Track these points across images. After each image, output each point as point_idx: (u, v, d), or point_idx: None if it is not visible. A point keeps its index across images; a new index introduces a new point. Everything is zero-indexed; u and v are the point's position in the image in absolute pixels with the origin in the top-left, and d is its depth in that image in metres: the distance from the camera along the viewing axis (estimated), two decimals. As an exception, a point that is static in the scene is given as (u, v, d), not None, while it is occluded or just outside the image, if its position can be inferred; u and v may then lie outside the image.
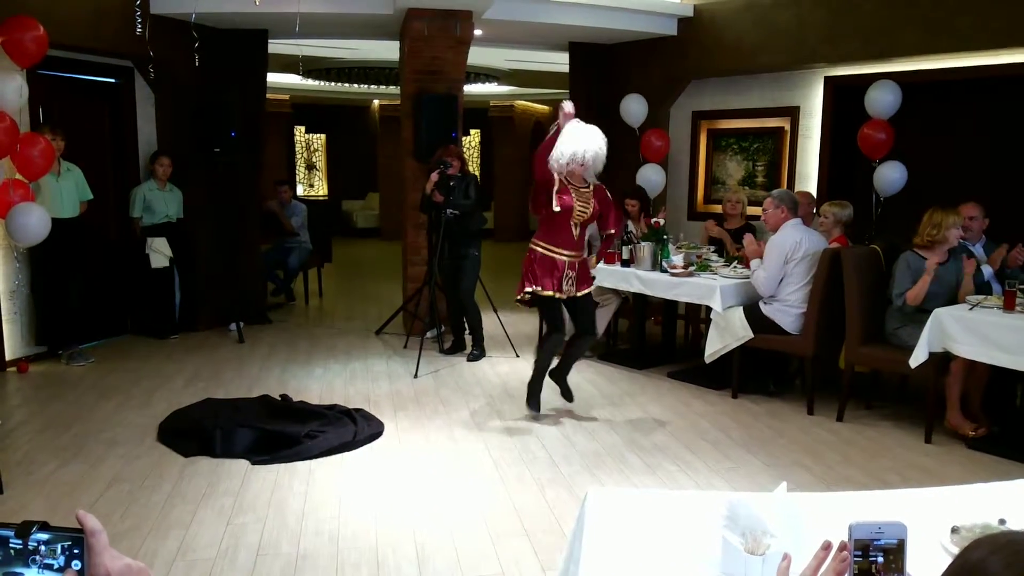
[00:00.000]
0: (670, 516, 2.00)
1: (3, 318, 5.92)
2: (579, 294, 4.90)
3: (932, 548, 1.80)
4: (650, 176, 7.80)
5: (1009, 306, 4.38)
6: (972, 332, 4.38)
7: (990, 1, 5.70)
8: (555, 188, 4.68)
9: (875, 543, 1.14)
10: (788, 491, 1.84)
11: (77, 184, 6.32)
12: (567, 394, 5.20)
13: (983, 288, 4.93)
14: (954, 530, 1.87)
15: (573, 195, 4.73)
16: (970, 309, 4.48)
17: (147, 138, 7.27)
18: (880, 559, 1.14)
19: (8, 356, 5.97)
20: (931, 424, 4.73)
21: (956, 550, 1.81)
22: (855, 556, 1.14)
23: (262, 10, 6.41)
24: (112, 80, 7.00)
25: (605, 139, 4.73)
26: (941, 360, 4.62)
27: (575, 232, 4.79)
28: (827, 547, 1.19)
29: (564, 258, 4.80)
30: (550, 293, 4.80)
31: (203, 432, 4.51)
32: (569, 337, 5.18)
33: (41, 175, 5.71)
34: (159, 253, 6.98)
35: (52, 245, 5.81)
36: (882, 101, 6.44)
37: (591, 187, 4.84)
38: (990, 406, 4.84)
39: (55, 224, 5.70)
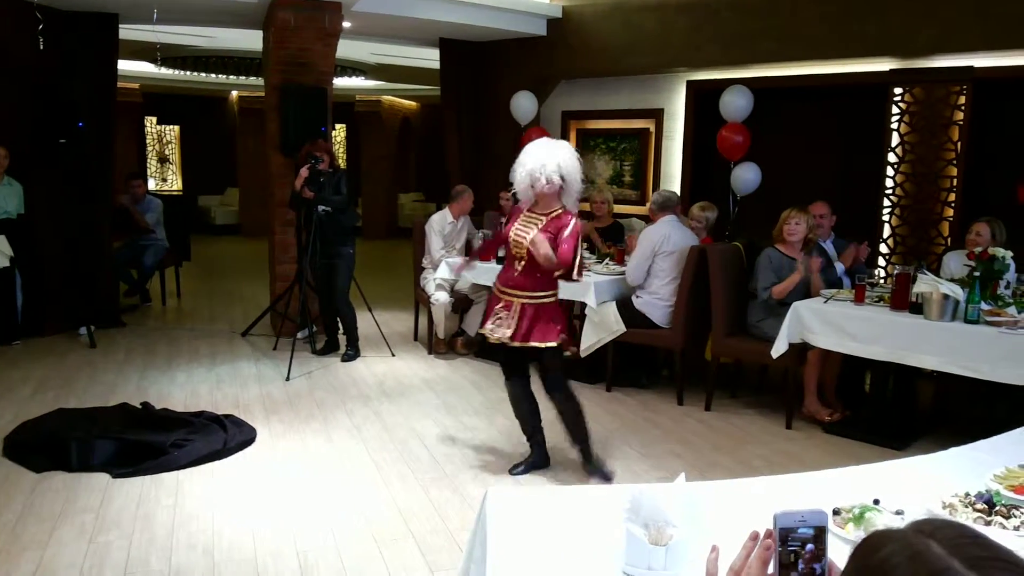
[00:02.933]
0: (571, 512, 2.01)
1: None
2: (515, 344, 3.99)
3: (817, 529, 1.89)
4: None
5: (859, 299, 4.71)
6: (827, 323, 4.68)
7: (841, 15, 6.11)
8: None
9: (798, 531, 1.17)
10: (686, 480, 1.89)
11: (-101, 176, 5.71)
12: (588, 468, 4.20)
13: (835, 283, 5.28)
14: (835, 512, 1.97)
15: (516, 224, 4.08)
16: (825, 302, 4.78)
17: (-19, 128, 6.66)
18: (805, 546, 1.18)
19: None
20: (791, 411, 5.03)
21: (839, 531, 1.92)
22: (781, 545, 1.18)
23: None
24: (-62, 62, 6.36)
25: (569, 151, 3.94)
26: (799, 350, 4.91)
27: (516, 267, 4.04)
28: (754, 537, 1.22)
29: (498, 295, 4.13)
30: (481, 331, 4.22)
31: (56, 444, 4.17)
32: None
33: None
34: (-2, 252, 6.41)
35: None
36: (735, 105, 6.77)
37: (551, 214, 3.97)
38: (842, 392, 5.19)
39: None
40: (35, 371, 5.83)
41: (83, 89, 6.67)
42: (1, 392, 5.30)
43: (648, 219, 5.90)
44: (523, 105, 7.96)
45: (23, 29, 6.32)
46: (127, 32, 7.54)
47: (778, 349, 4.84)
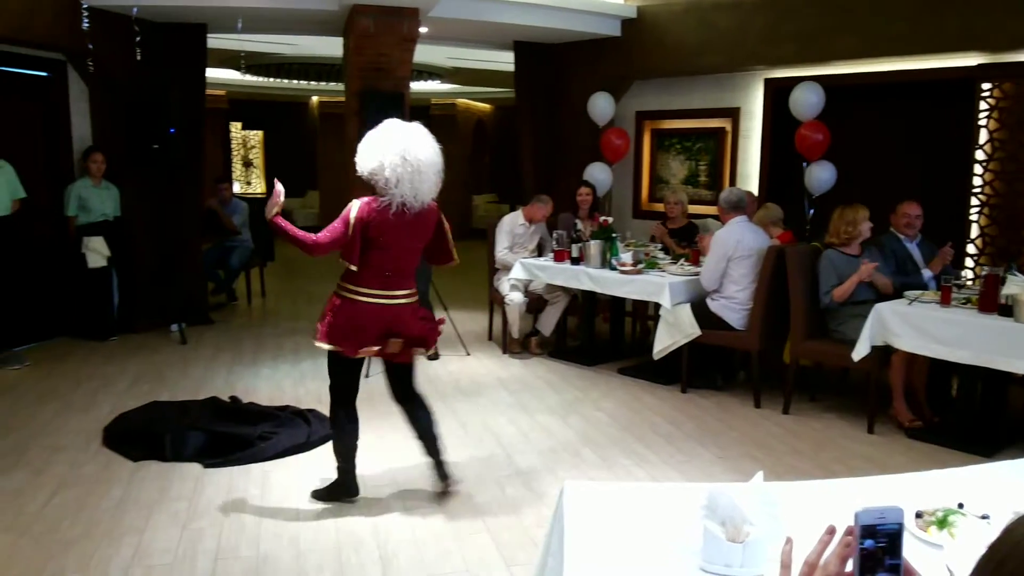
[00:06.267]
0: (648, 508, 2.03)
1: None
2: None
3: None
4: (596, 175, 7.88)
5: (945, 301, 4.58)
6: (911, 326, 4.55)
7: (924, 10, 5.94)
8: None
9: (878, 528, 1.17)
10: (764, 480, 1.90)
11: (8, 182, 6.09)
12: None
13: (921, 286, 5.14)
14: (918, 515, 1.95)
15: None
16: (909, 304, 4.66)
17: (81, 134, 7.03)
18: (882, 543, 1.18)
19: (-63, 360, 5.72)
20: (873, 416, 4.91)
21: (922, 534, 1.89)
22: (861, 543, 1.18)
23: (205, 4, 6.27)
24: (44, 74, 6.75)
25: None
26: (882, 353, 4.79)
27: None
28: (831, 531, 1.23)
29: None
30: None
31: (152, 436, 4.40)
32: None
33: (-30, 172, 5.51)
34: (96, 253, 6.75)
35: (-17, 244, 5.60)
36: (806, 102, 6.66)
37: None
38: (928, 397, 5.04)
39: (-14, 223, 5.50)
40: (130, 366, 6.13)
41: (174, 97, 6.98)
42: (99, 385, 5.60)
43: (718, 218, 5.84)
44: (601, 106, 7.97)
45: (122, 41, 6.66)
46: (215, 41, 7.85)
47: (859, 352, 4.74)
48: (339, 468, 3.85)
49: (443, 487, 3.92)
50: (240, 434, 4.44)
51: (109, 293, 6.92)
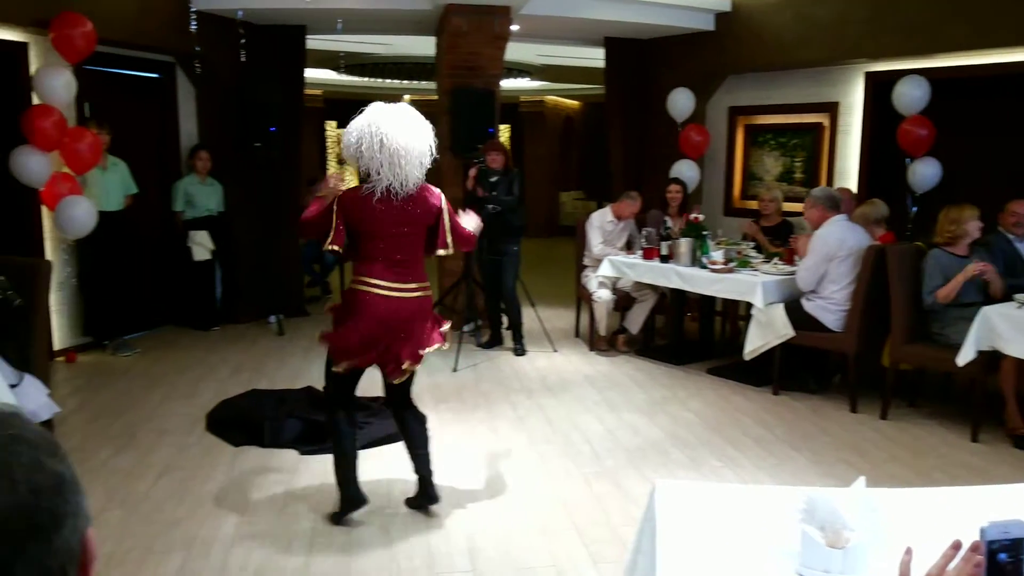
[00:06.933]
0: (742, 509, 2.00)
1: (52, 309, 6.02)
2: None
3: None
4: (684, 172, 7.77)
5: (1060, 305, 4.34)
6: (1020, 330, 4.33)
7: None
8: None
9: (1001, 542, 1.13)
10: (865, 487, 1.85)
11: (123, 178, 6.43)
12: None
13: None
14: (1030, 527, 1.86)
15: None
16: (1019, 307, 4.43)
17: (188, 133, 7.36)
18: (1005, 557, 1.13)
19: (57, 346, 6.07)
20: (978, 423, 4.69)
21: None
22: (995, 556, 1.13)
23: (305, 6, 6.47)
24: (155, 75, 7.09)
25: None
26: (988, 358, 4.57)
27: None
28: (956, 546, 1.18)
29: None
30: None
31: (251, 422, 4.58)
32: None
33: (88, 169, 5.84)
34: (201, 246, 7.07)
35: (98, 238, 5.93)
36: (910, 96, 6.40)
37: None
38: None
39: (101, 217, 5.82)
40: (231, 355, 6.38)
41: (275, 96, 7.23)
42: (203, 373, 5.85)
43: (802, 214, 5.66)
44: (680, 102, 7.86)
45: (227, 43, 6.94)
46: (313, 42, 8.08)
47: (964, 356, 4.53)
48: (340, 482, 3.58)
49: (422, 504, 3.71)
50: (334, 423, 4.56)
51: (213, 285, 7.24)
